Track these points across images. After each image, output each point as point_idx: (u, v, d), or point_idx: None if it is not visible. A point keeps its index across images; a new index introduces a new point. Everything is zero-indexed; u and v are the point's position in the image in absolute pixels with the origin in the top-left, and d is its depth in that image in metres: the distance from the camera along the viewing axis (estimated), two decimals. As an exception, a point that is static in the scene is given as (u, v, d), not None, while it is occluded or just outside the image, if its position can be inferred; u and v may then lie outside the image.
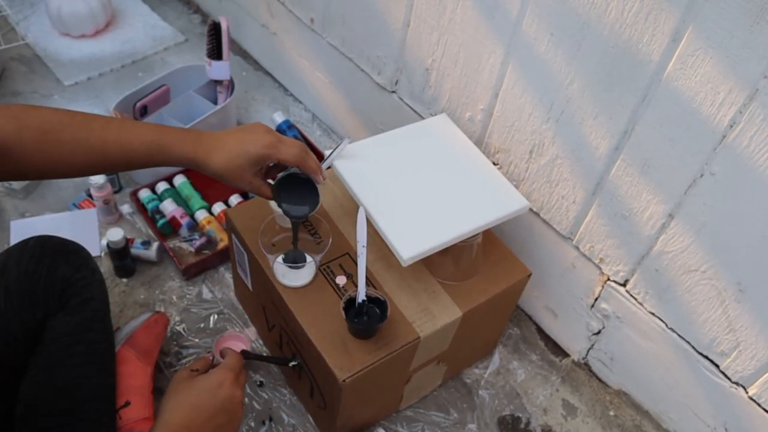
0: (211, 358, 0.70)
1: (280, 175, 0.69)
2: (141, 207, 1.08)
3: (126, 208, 1.09)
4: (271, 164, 0.70)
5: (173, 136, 0.62)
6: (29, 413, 0.67)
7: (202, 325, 0.96)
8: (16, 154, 0.55)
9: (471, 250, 0.77)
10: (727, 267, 0.71)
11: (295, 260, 0.72)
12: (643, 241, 0.78)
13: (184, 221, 1.05)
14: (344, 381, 0.68)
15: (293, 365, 0.80)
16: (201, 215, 1.06)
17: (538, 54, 0.78)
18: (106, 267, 1.01)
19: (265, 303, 0.84)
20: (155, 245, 1.01)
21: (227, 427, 0.62)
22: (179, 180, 1.11)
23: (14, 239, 1.02)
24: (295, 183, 0.69)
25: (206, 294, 1.00)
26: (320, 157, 1.18)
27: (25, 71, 1.31)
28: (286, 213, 0.69)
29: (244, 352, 0.87)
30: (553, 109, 0.80)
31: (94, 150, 0.59)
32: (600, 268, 0.86)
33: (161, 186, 1.10)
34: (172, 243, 1.04)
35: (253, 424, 0.86)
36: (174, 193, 1.10)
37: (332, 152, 0.78)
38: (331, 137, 1.28)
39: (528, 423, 0.91)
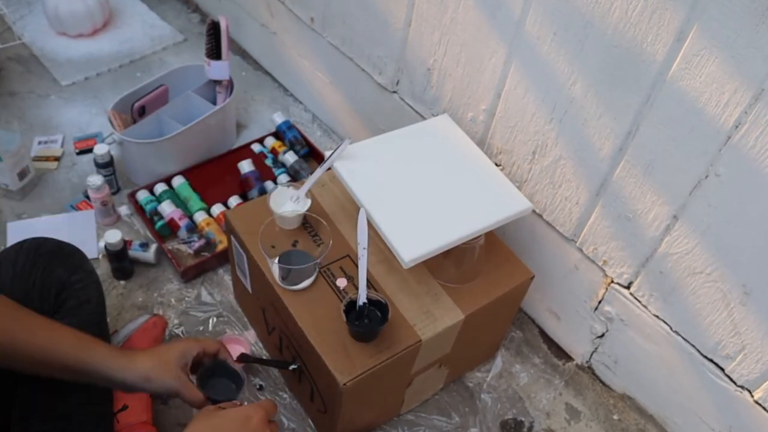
0: (239, 404, 0.68)
1: (202, 368, 0.68)
2: (139, 208, 1.07)
3: (124, 210, 1.09)
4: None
5: (102, 343, 0.63)
6: (25, 417, 0.66)
7: (201, 328, 0.95)
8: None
9: (473, 252, 0.77)
10: (732, 269, 0.71)
11: (293, 282, 0.74)
12: (648, 243, 0.78)
13: (183, 223, 1.04)
14: (345, 385, 0.67)
15: (293, 369, 0.79)
16: (200, 217, 1.05)
17: (540, 54, 0.78)
18: (103, 269, 1.00)
19: (264, 305, 0.83)
20: (153, 247, 1.00)
21: None
22: (178, 181, 1.10)
23: (11, 241, 1.02)
24: (219, 372, 0.68)
25: (205, 296, 0.99)
26: (320, 158, 1.18)
27: (22, 71, 1.31)
28: (213, 401, 0.66)
29: (243, 356, 0.86)
30: (556, 109, 0.80)
31: (25, 356, 0.60)
32: (604, 271, 0.86)
33: (160, 187, 1.09)
34: (171, 245, 1.03)
35: (252, 428, 0.85)
36: (173, 195, 1.09)
37: (332, 153, 0.78)
38: (332, 138, 1.28)
39: (531, 427, 0.90)
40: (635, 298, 0.84)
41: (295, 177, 1.14)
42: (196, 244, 1.02)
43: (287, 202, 0.77)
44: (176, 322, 0.95)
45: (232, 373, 0.68)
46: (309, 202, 0.77)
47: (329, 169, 0.82)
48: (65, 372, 0.61)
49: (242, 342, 0.90)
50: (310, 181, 0.77)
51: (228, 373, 0.68)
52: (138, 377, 0.63)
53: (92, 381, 0.63)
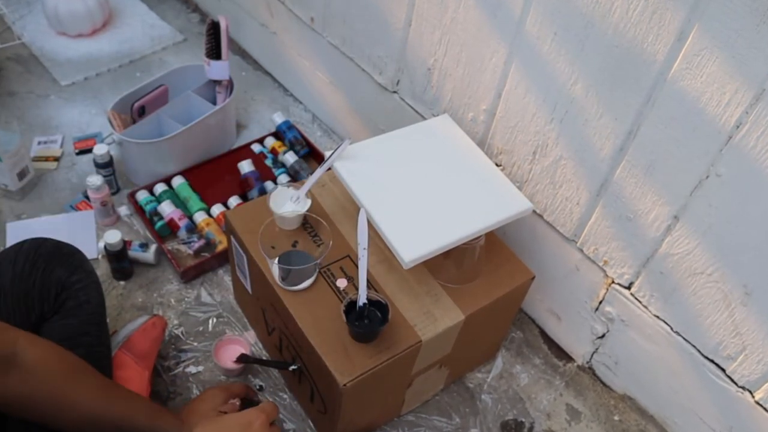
0: (237, 403, 0.70)
1: None
2: (139, 209, 1.07)
3: (124, 210, 1.08)
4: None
5: (164, 417, 0.66)
6: (24, 420, 0.65)
7: (200, 329, 0.95)
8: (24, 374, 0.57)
9: (473, 253, 0.77)
10: (733, 270, 0.71)
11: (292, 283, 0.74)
12: (648, 244, 0.78)
13: (183, 223, 1.04)
14: (345, 385, 0.67)
15: (293, 369, 0.79)
16: (200, 217, 1.05)
17: (541, 54, 0.78)
18: (103, 269, 1.00)
19: (264, 306, 0.83)
20: (153, 247, 1.00)
21: None
22: (177, 181, 1.10)
23: (10, 241, 1.01)
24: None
25: (205, 297, 0.99)
26: (320, 158, 1.18)
27: (22, 71, 1.30)
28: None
29: (243, 356, 0.86)
30: (556, 109, 0.79)
31: (108, 397, 0.62)
32: (604, 271, 0.86)
33: (159, 187, 1.09)
34: (171, 245, 1.03)
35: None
36: (172, 195, 1.09)
37: (332, 153, 0.78)
38: (332, 138, 1.27)
39: (531, 428, 0.90)
40: (636, 299, 0.84)
41: (295, 177, 1.14)
42: (196, 245, 1.02)
43: (287, 202, 0.76)
44: (176, 322, 0.95)
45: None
46: (309, 202, 0.77)
47: (329, 169, 0.82)
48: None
49: (242, 342, 0.90)
50: (310, 182, 0.77)
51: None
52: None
53: None
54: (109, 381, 0.65)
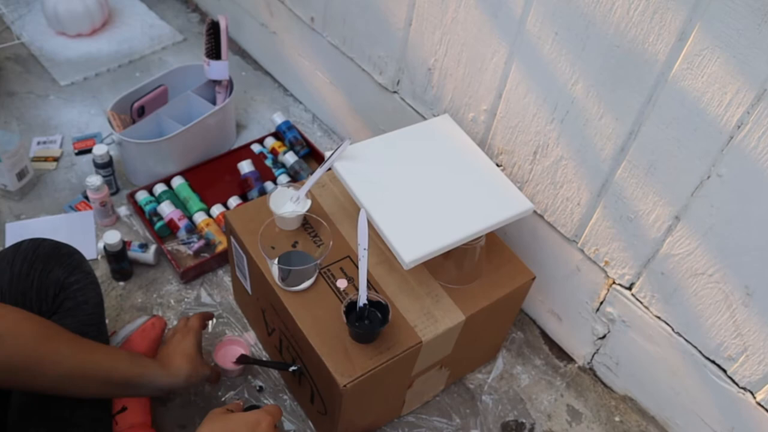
0: (242, 403, 0.73)
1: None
2: (138, 209, 1.07)
3: (123, 210, 1.08)
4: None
5: (146, 362, 0.71)
6: (22, 419, 0.66)
7: (200, 329, 0.94)
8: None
9: (474, 253, 0.76)
10: (734, 270, 0.71)
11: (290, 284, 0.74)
12: (649, 244, 0.77)
13: (182, 223, 1.04)
14: (345, 386, 0.67)
15: (293, 370, 0.79)
16: (199, 217, 1.05)
17: (542, 54, 0.77)
18: (102, 270, 0.99)
19: (264, 307, 0.83)
20: (153, 248, 1.00)
21: None
22: (177, 182, 1.10)
23: (9, 241, 1.01)
24: None
25: (205, 298, 0.99)
26: (320, 158, 1.17)
27: (21, 71, 1.30)
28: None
29: (242, 357, 0.86)
30: (557, 109, 0.79)
31: (82, 351, 0.64)
32: (605, 272, 0.85)
33: (159, 188, 1.09)
34: (170, 246, 1.03)
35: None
36: (172, 195, 1.08)
37: (333, 153, 0.78)
38: (332, 138, 1.27)
39: (532, 429, 0.90)
40: (637, 300, 0.83)
41: (295, 177, 1.14)
42: (196, 245, 1.02)
43: (287, 202, 0.76)
44: (175, 323, 0.95)
45: None
46: (309, 202, 0.77)
47: (329, 169, 0.82)
48: (123, 389, 0.68)
49: (242, 343, 0.90)
50: (310, 182, 0.77)
51: None
52: (182, 382, 0.72)
53: (139, 394, 0.71)
54: (83, 338, 0.66)
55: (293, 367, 0.79)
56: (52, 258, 0.73)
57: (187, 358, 0.73)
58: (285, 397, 0.88)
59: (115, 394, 0.72)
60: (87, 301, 0.74)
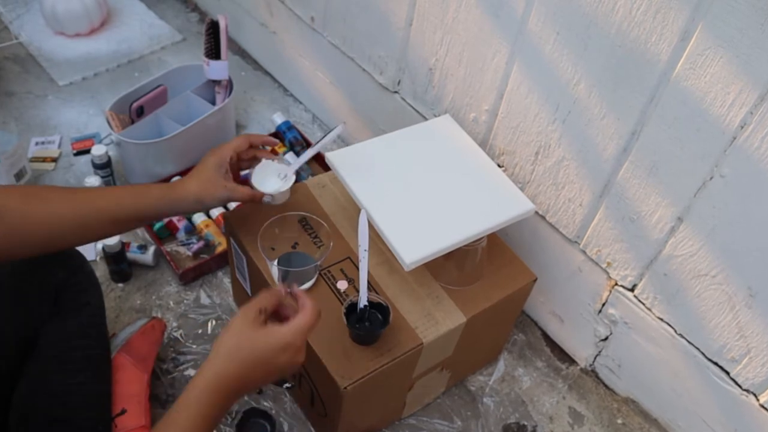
0: (284, 291, 0.59)
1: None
2: (137, 209, 1.06)
3: (122, 211, 1.07)
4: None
5: (152, 184, 0.71)
6: (22, 421, 0.66)
7: (200, 331, 0.94)
8: (3, 218, 0.57)
9: (475, 255, 0.76)
10: (737, 271, 0.70)
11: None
12: (652, 245, 0.77)
13: (182, 224, 1.03)
14: (345, 388, 0.67)
15: (287, 388, 0.79)
16: (199, 218, 1.05)
17: (543, 53, 0.77)
18: (101, 271, 0.99)
19: (264, 308, 0.82)
20: (152, 249, 0.99)
21: (272, 380, 0.56)
22: (176, 182, 1.09)
23: (7, 243, 1.00)
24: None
25: (204, 299, 0.98)
26: (321, 158, 1.17)
27: (19, 71, 1.30)
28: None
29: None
30: (559, 109, 0.79)
31: (81, 202, 0.62)
32: (607, 273, 0.85)
33: (158, 188, 1.08)
34: (169, 247, 1.02)
35: None
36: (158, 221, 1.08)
37: (325, 135, 0.76)
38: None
39: (534, 431, 0.90)
40: (639, 301, 0.83)
41: (296, 177, 1.13)
42: (195, 246, 1.02)
43: (273, 178, 0.73)
44: (175, 324, 0.94)
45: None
46: (293, 179, 0.73)
47: (329, 169, 0.82)
48: (130, 224, 0.66)
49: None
50: (302, 159, 0.75)
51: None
52: (192, 203, 0.68)
53: (151, 221, 0.70)
54: (77, 188, 0.64)
55: (287, 385, 0.78)
56: (53, 259, 0.72)
57: (196, 176, 0.68)
58: (285, 399, 0.88)
59: (124, 231, 0.68)
60: (88, 302, 0.74)
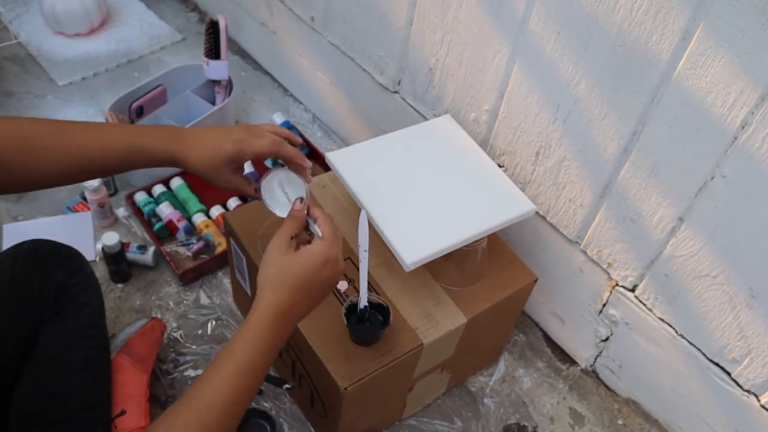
0: (305, 213, 0.58)
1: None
2: (137, 210, 1.06)
3: (121, 212, 1.07)
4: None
5: (152, 136, 0.61)
6: (22, 422, 0.65)
7: (199, 332, 0.94)
8: None
9: (476, 255, 0.76)
10: (738, 272, 0.70)
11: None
12: (653, 246, 0.77)
13: (181, 225, 1.03)
14: (346, 389, 0.66)
15: (287, 389, 0.78)
16: (198, 219, 1.04)
17: (544, 53, 0.77)
18: (101, 272, 0.99)
19: (264, 309, 0.82)
20: (151, 250, 0.99)
21: (321, 300, 0.58)
22: (176, 183, 1.09)
23: (7, 243, 1.00)
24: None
25: (204, 300, 0.98)
26: (321, 158, 1.17)
27: (18, 71, 1.29)
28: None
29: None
30: (560, 109, 0.79)
31: (72, 156, 0.58)
32: (608, 273, 0.85)
33: (158, 189, 1.08)
34: (169, 247, 1.02)
35: (251, 433, 0.84)
36: (171, 196, 1.08)
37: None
38: (332, 138, 1.27)
39: None
40: (640, 302, 0.83)
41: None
42: (195, 247, 1.01)
43: (283, 196, 0.64)
44: (174, 325, 0.94)
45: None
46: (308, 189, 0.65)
47: (329, 169, 0.81)
48: (124, 170, 0.60)
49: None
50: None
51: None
52: (192, 171, 0.61)
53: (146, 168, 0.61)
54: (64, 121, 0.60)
55: (287, 386, 0.78)
56: (53, 259, 0.72)
57: (207, 163, 0.60)
58: (285, 399, 0.88)
59: (126, 169, 0.62)
60: (88, 303, 0.74)
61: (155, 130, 0.62)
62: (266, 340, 0.53)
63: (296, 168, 0.65)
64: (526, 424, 0.90)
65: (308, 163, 0.65)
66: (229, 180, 0.64)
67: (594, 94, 0.74)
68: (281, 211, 0.62)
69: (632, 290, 0.83)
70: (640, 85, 0.69)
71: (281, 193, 0.63)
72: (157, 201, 1.07)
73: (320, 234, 0.57)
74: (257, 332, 0.53)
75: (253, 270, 0.78)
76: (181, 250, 1.02)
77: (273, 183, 0.64)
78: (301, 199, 0.59)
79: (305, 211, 0.59)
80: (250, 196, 0.66)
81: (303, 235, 0.59)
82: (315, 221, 0.58)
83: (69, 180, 0.60)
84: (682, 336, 0.80)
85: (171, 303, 0.97)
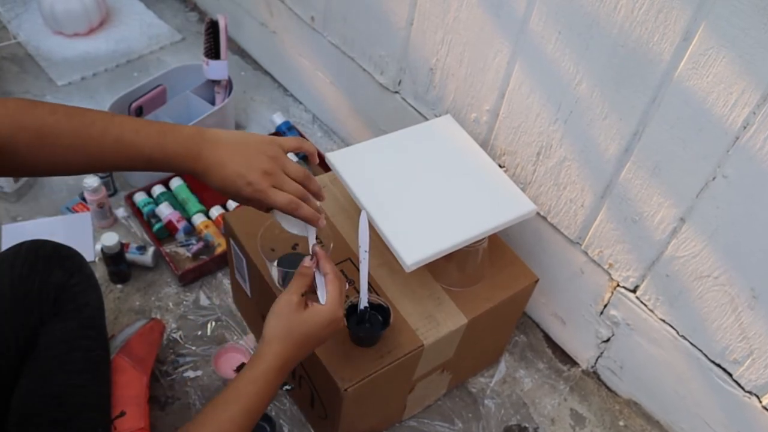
0: (313, 270, 0.61)
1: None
2: (136, 211, 1.06)
3: (121, 212, 1.07)
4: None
5: (174, 146, 0.58)
6: (21, 423, 0.65)
7: (199, 333, 0.94)
8: (8, 155, 0.54)
9: (476, 256, 0.76)
10: (740, 272, 0.70)
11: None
12: (654, 246, 0.77)
13: (181, 225, 1.03)
14: (346, 390, 0.66)
15: (287, 389, 0.78)
16: (198, 219, 1.04)
17: (545, 53, 0.77)
18: (100, 272, 0.98)
19: (264, 310, 0.81)
20: (151, 250, 0.99)
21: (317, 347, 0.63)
22: (176, 183, 1.09)
23: (6, 244, 1.00)
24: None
25: (203, 300, 0.98)
26: (321, 159, 1.16)
27: (17, 71, 1.29)
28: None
29: (243, 365, 0.85)
30: (561, 109, 0.78)
31: (91, 155, 0.57)
32: (609, 274, 0.85)
33: (157, 189, 1.08)
34: (169, 248, 1.02)
35: (251, 434, 0.84)
36: (170, 197, 1.07)
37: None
38: (332, 139, 1.26)
39: (534, 432, 0.89)
40: (641, 302, 0.83)
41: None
42: (195, 247, 1.01)
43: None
44: (174, 326, 0.94)
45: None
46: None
47: (329, 170, 0.81)
48: (143, 171, 0.58)
49: (243, 351, 0.89)
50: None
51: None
52: (210, 182, 0.58)
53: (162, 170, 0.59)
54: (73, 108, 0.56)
55: (287, 387, 0.78)
56: (53, 260, 0.72)
57: (222, 175, 0.57)
58: (285, 401, 0.87)
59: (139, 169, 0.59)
60: (88, 304, 0.74)
61: (178, 138, 0.58)
62: (269, 389, 0.59)
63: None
64: (526, 425, 0.90)
65: (323, 223, 0.63)
66: (244, 203, 0.61)
67: (595, 94, 0.74)
68: (293, 228, 0.62)
69: (633, 291, 0.83)
70: (642, 85, 0.69)
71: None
72: (156, 201, 1.06)
73: (323, 302, 0.61)
74: (264, 380, 0.58)
75: (254, 270, 0.77)
76: (181, 250, 1.02)
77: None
78: (311, 256, 0.62)
79: (313, 269, 0.62)
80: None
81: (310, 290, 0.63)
82: (324, 276, 0.62)
83: (82, 172, 0.60)
84: (683, 337, 0.80)
85: (170, 304, 0.97)
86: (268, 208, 0.61)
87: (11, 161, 0.54)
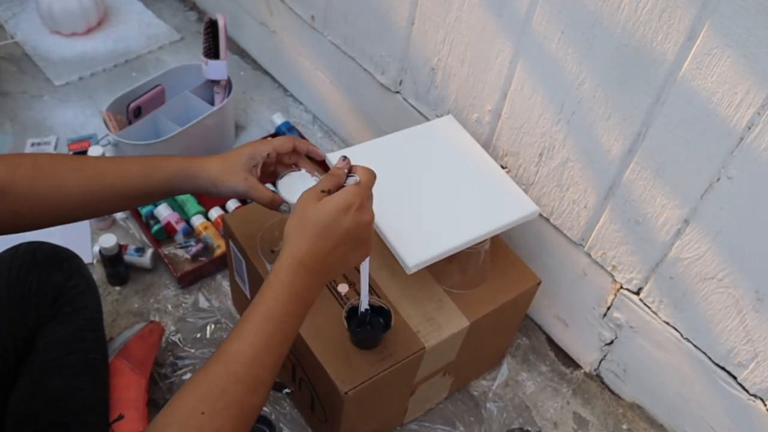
0: (345, 172, 0.56)
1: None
2: (135, 212, 1.05)
3: (119, 214, 1.06)
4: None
5: (166, 156, 0.64)
6: (19, 425, 0.65)
7: (198, 335, 0.93)
8: (10, 195, 0.57)
9: (478, 257, 0.75)
10: (744, 274, 0.69)
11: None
12: (658, 248, 0.76)
13: (180, 227, 1.02)
14: (346, 393, 0.66)
15: (286, 393, 0.78)
16: (197, 221, 1.04)
17: (548, 53, 0.76)
18: (98, 274, 0.98)
19: (263, 312, 0.81)
20: (149, 252, 0.98)
21: (353, 255, 0.54)
22: (174, 183, 1.08)
23: (2, 245, 0.99)
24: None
25: (203, 303, 0.97)
26: (321, 161, 1.15)
27: (14, 71, 1.29)
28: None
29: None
30: (563, 110, 0.78)
31: (89, 178, 0.60)
32: (612, 276, 0.84)
33: (156, 189, 1.07)
34: (167, 249, 1.01)
35: (251, 438, 0.83)
36: (169, 198, 1.07)
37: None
38: (333, 139, 1.26)
39: (537, 436, 0.89)
40: (645, 305, 0.82)
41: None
42: (194, 249, 1.00)
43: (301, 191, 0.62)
44: (173, 328, 0.93)
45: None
46: None
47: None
48: (140, 199, 0.64)
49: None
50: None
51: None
52: (206, 184, 0.63)
53: (163, 197, 0.64)
54: (95, 159, 0.63)
55: (287, 390, 0.77)
56: (50, 262, 0.72)
57: (222, 159, 0.63)
58: (285, 404, 0.87)
59: (135, 206, 0.67)
60: (86, 306, 0.73)
61: (167, 163, 0.63)
62: (289, 289, 0.51)
63: (312, 153, 0.67)
64: (529, 428, 0.89)
65: (323, 154, 0.66)
66: (245, 178, 0.63)
67: (598, 94, 0.73)
68: (294, 202, 0.60)
69: (637, 293, 0.83)
70: (645, 85, 0.68)
71: (303, 188, 0.56)
72: (155, 203, 1.06)
73: (356, 180, 0.54)
74: (279, 282, 0.51)
75: (253, 272, 0.77)
76: (180, 252, 1.01)
77: (293, 177, 0.64)
78: (344, 157, 0.56)
79: (346, 170, 0.56)
80: (263, 199, 0.65)
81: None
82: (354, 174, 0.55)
83: (85, 207, 0.62)
84: (687, 340, 0.79)
85: (169, 306, 0.96)
86: (269, 202, 0.64)
87: (14, 202, 0.57)
